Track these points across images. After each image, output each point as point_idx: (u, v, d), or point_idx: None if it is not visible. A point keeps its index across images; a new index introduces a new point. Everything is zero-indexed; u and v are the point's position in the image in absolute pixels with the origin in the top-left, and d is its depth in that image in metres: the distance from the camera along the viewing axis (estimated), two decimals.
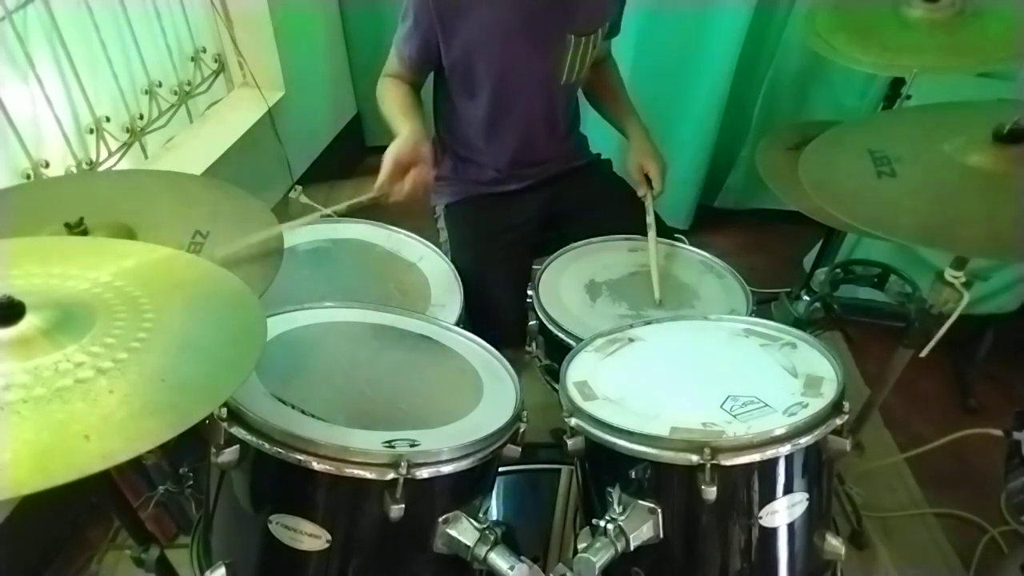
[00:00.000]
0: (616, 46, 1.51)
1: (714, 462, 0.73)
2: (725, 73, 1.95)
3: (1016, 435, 1.13)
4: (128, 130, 1.62)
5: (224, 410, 0.74)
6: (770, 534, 0.80)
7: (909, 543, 1.47)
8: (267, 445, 0.73)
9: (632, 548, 0.77)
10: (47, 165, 1.39)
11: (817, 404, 0.80)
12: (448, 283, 1.23)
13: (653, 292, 1.18)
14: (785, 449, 0.76)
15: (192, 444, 0.83)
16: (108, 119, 1.55)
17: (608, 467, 0.85)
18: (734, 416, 0.81)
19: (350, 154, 2.60)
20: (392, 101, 1.28)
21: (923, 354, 1.06)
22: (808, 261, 2.07)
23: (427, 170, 1.12)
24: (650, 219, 1.32)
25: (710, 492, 0.73)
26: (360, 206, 1.11)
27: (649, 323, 1.06)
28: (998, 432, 1.20)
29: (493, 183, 1.43)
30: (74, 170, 1.46)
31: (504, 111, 1.34)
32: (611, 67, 1.51)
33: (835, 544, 0.83)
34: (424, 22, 1.23)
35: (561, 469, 1.31)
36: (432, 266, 1.27)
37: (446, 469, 0.76)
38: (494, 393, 0.93)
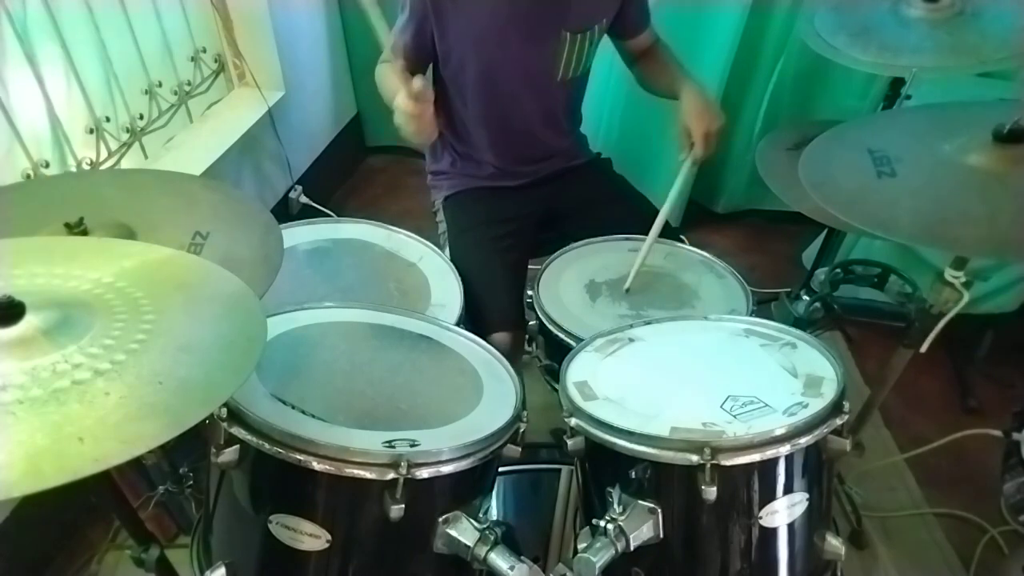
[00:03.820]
0: (603, 49, 1.43)
1: (714, 462, 0.73)
2: (717, 77, 1.95)
3: (1015, 436, 1.13)
4: (128, 130, 1.62)
5: (224, 410, 0.74)
6: (770, 534, 0.80)
7: (909, 543, 1.47)
8: (267, 445, 0.73)
9: (632, 548, 0.77)
10: (47, 165, 1.38)
11: (817, 404, 0.80)
12: (448, 283, 1.23)
13: (651, 292, 1.19)
14: (785, 449, 0.76)
15: (192, 444, 0.83)
16: (108, 119, 1.55)
17: (608, 467, 0.86)
18: (734, 416, 0.81)
19: (350, 154, 2.60)
20: (392, 71, 1.20)
21: (923, 349, 1.06)
22: (807, 257, 2.07)
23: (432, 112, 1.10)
24: (673, 191, 1.24)
25: (710, 492, 0.73)
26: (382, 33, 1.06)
27: (649, 323, 1.06)
28: (997, 433, 1.20)
29: (492, 178, 1.43)
30: (74, 170, 1.45)
31: (498, 107, 1.33)
32: (662, 49, 1.43)
33: (835, 544, 0.83)
34: (419, 12, 1.23)
35: (561, 469, 1.31)
36: (432, 266, 1.26)
37: (446, 469, 0.76)
38: (494, 393, 0.93)
